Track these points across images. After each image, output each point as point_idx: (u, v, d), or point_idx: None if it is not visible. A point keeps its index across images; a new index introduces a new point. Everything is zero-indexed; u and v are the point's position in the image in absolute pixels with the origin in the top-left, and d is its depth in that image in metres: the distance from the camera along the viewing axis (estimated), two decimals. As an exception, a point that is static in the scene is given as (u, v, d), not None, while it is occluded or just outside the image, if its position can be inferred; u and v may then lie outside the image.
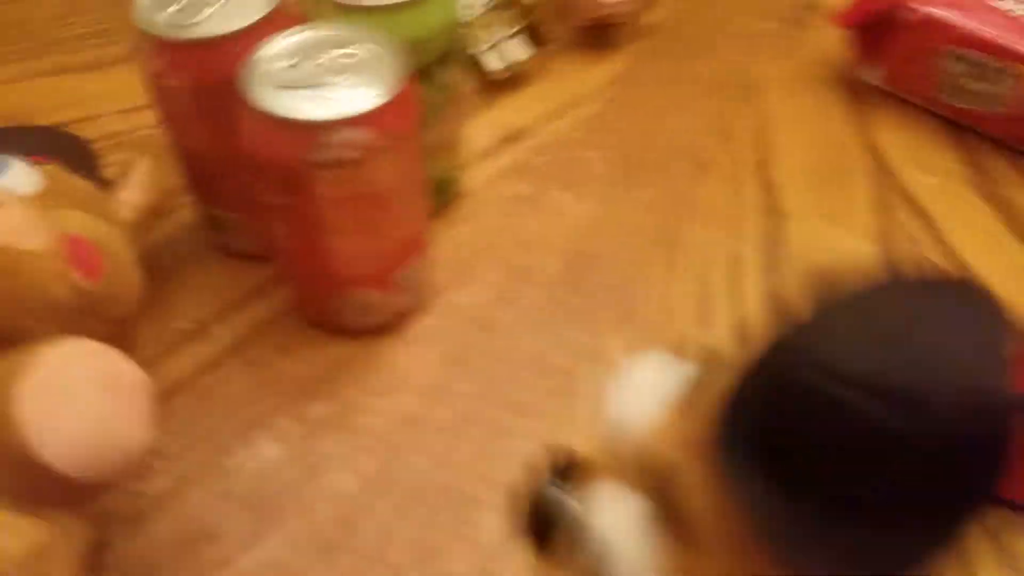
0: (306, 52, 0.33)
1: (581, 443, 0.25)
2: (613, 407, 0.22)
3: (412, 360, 0.37)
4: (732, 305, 0.40)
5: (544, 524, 0.22)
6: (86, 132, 0.43)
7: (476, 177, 0.46)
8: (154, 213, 0.38)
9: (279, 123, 0.31)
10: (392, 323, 0.38)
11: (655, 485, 0.20)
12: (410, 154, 0.34)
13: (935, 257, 0.43)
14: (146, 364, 0.27)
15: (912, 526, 0.16)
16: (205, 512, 0.32)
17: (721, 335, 0.38)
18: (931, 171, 0.48)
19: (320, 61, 0.33)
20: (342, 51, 0.33)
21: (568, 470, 0.23)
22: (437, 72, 0.38)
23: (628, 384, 0.22)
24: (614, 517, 0.20)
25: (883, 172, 0.47)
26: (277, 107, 0.30)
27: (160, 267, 0.36)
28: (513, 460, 0.33)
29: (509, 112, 0.51)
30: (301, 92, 0.31)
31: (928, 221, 0.44)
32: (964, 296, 0.18)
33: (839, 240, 0.44)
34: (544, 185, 0.46)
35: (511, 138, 0.50)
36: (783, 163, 0.48)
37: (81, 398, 0.26)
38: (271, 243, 0.37)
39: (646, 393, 0.21)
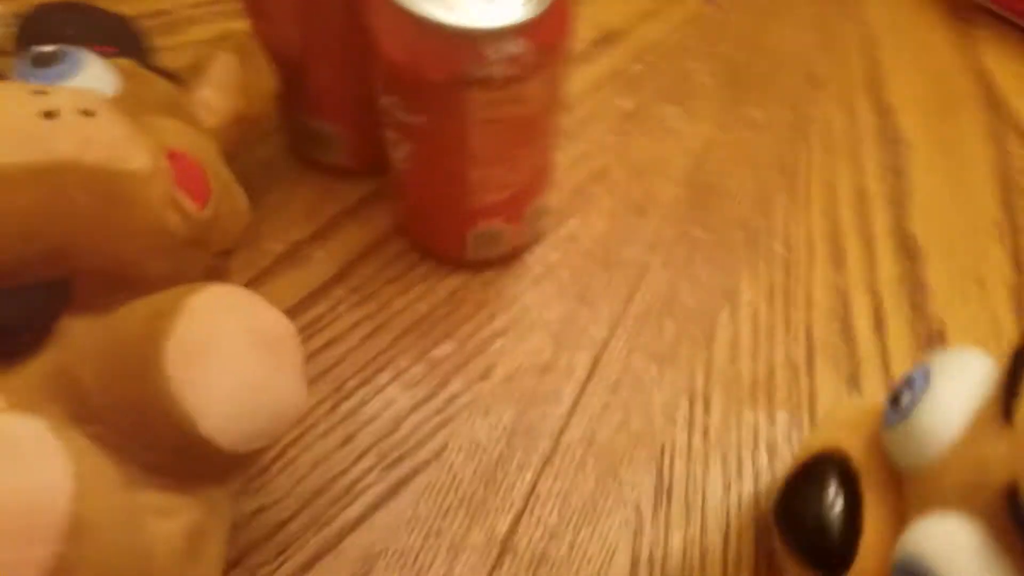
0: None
1: (842, 439, 0.22)
2: (920, 414, 0.19)
3: (537, 298, 0.34)
4: (863, 244, 0.37)
5: (819, 546, 0.20)
6: (116, 7, 0.32)
7: (574, 86, 0.42)
8: (241, 120, 0.34)
9: (432, 29, 0.26)
10: (510, 256, 0.35)
11: (991, 510, 0.17)
12: (562, 69, 0.30)
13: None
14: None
15: None
16: (333, 463, 0.29)
17: (865, 285, 0.36)
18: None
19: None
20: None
21: (845, 475, 0.20)
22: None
23: (934, 385, 0.19)
24: (942, 545, 0.17)
25: (991, 98, 0.44)
26: (431, 10, 0.26)
27: (242, 182, 0.32)
28: (656, 413, 0.31)
29: (600, 10, 0.46)
30: None
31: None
32: None
33: (957, 173, 0.41)
34: (648, 99, 0.43)
35: (605, 40, 0.45)
36: (893, 84, 0.45)
37: (235, 358, 0.22)
38: (379, 161, 0.33)
39: (956, 397, 0.19)
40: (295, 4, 0.32)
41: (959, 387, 0.19)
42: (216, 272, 0.31)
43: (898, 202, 0.39)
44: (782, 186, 0.39)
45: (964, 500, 0.17)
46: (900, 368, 0.32)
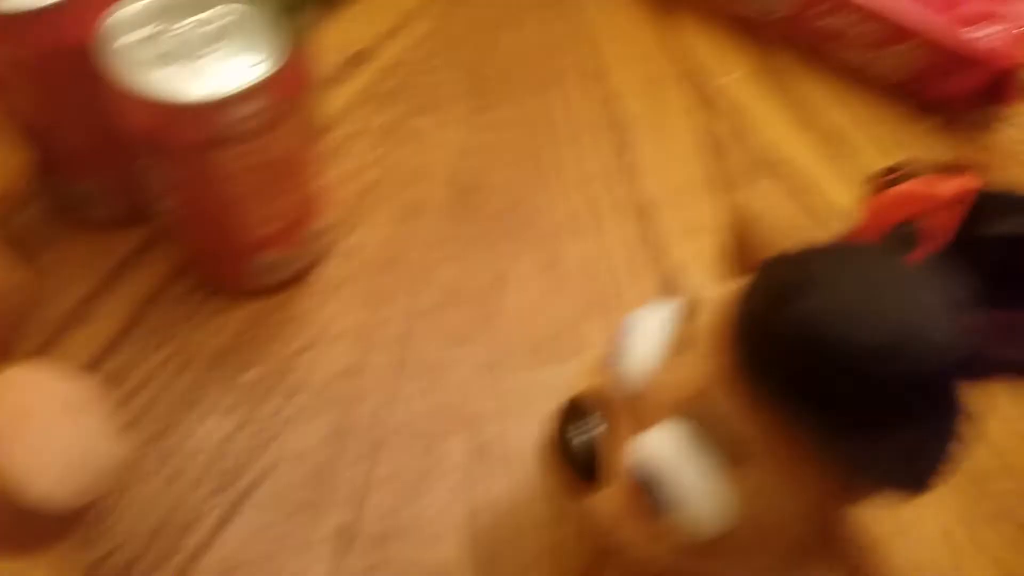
0: (162, 20, 0.30)
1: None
2: (627, 356, 0.24)
3: (332, 310, 0.37)
4: (607, 213, 0.43)
5: (581, 467, 0.25)
6: None
7: (331, 106, 0.45)
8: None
9: (171, 105, 0.28)
10: (299, 276, 0.37)
11: (692, 417, 0.22)
12: (307, 110, 0.33)
13: (745, 151, 0.49)
14: (35, 354, 0.25)
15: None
16: (169, 498, 0.30)
17: (615, 247, 0.41)
18: (732, 71, 0.54)
19: (182, 29, 0.30)
20: (202, 16, 0.30)
21: (586, 412, 0.25)
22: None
23: (634, 333, 0.25)
24: (661, 445, 0.23)
25: (691, 77, 0.52)
26: (168, 86, 0.28)
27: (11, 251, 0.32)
28: (462, 387, 0.35)
29: (343, 33, 0.49)
30: (178, 67, 0.29)
31: (732, 118, 0.50)
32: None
33: (672, 142, 0.48)
34: (403, 112, 0.46)
35: (354, 61, 0.49)
36: (613, 73, 0.51)
37: (48, 425, 0.24)
38: (145, 208, 0.34)
39: (651, 338, 0.24)
40: (31, 77, 0.32)
41: (650, 331, 0.24)
42: (5, 345, 0.31)
43: (629, 173, 0.45)
44: (533, 174, 0.44)
45: (669, 412, 0.23)
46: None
